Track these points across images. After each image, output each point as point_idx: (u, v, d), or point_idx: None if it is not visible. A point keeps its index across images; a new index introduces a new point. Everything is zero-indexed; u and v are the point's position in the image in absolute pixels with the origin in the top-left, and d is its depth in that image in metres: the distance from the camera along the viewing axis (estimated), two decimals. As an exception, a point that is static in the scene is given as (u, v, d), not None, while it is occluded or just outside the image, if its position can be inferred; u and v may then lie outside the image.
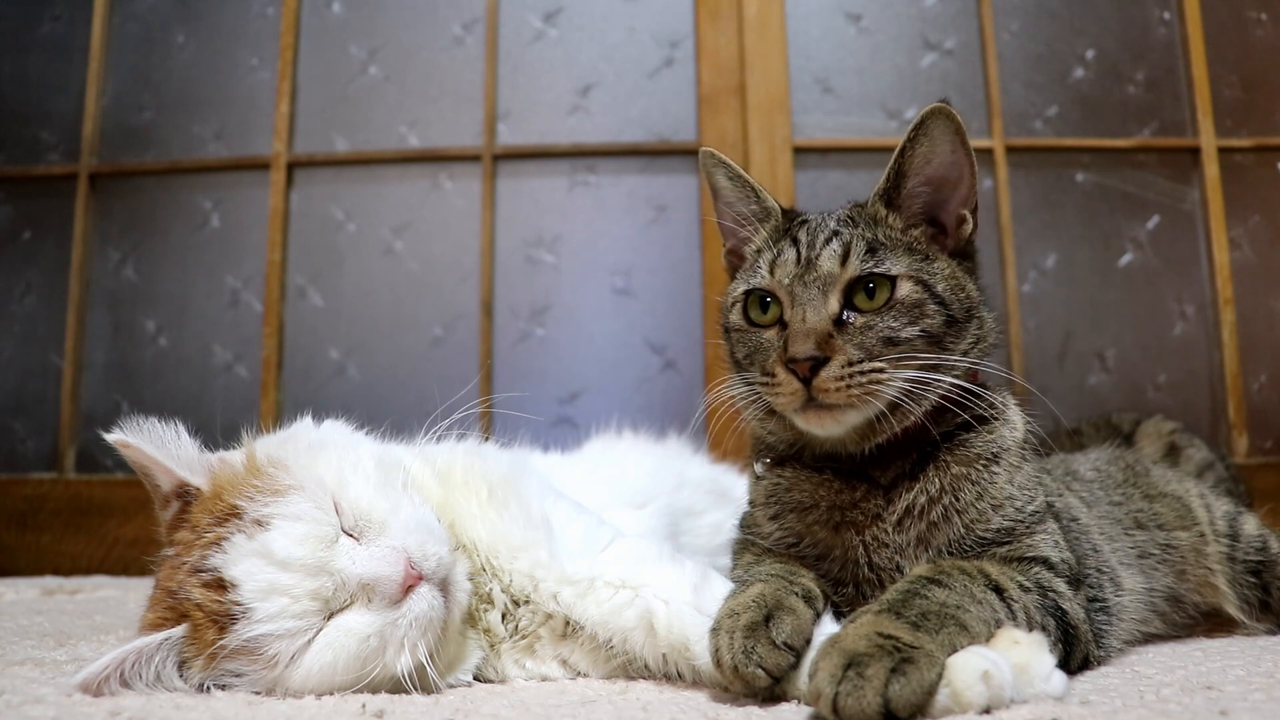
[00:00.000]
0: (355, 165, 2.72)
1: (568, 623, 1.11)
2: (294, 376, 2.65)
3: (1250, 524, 1.38)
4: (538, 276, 2.67)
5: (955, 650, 0.85)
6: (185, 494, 1.06)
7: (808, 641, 0.94)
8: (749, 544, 1.18)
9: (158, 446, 1.05)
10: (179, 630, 0.97)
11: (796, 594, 0.98)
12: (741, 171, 1.22)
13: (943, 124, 1.08)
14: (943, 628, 0.86)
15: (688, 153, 2.64)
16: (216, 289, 2.70)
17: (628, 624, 1.07)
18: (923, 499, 1.05)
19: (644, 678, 1.08)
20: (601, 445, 1.75)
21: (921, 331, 1.04)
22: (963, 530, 1.05)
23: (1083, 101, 2.68)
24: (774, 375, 1.03)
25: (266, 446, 1.10)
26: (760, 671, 0.89)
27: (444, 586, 1.01)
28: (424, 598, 0.98)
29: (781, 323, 1.07)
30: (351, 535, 1.00)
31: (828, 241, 1.08)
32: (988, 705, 0.81)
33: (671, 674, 1.06)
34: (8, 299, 2.73)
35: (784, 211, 1.20)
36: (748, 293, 1.12)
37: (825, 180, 2.65)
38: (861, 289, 1.05)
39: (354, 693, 0.96)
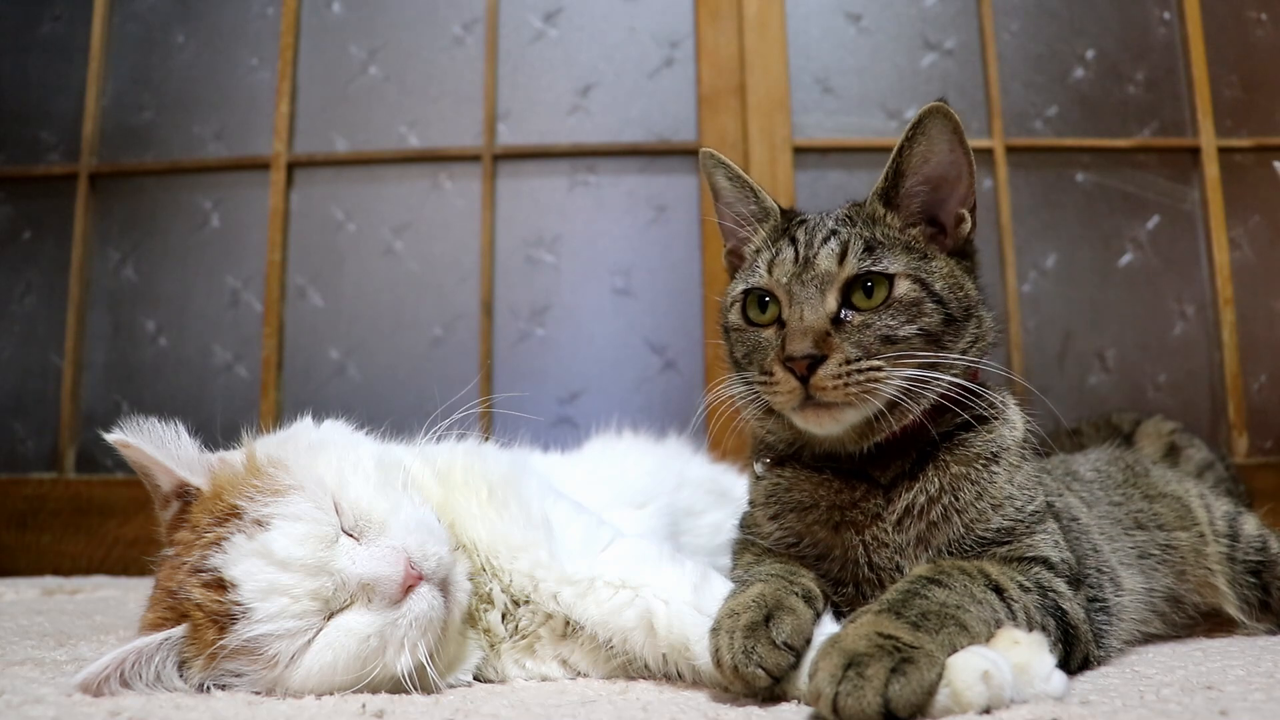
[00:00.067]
0: (355, 165, 2.72)
1: (568, 623, 1.11)
2: (294, 376, 2.65)
3: (1250, 524, 1.38)
4: (538, 276, 2.67)
5: (955, 650, 0.85)
6: (185, 494, 1.06)
7: (808, 641, 0.93)
8: (749, 544, 1.19)
9: (158, 446, 1.05)
10: (179, 630, 0.97)
11: (796, 594, 0.98)
12: (741, 172, 1.22)
13: (940, 123, 1.08)
14: (943, 628, 0.86)
15: (688, 153, 2.64)
16: (216, 289, 2.70)
17: (628, 624, 1.07)
18: (922, 499, 1.05)
19: (644, 678, 1.08)
20: (601, 445, 1.74)
21: (919, 330, 1.04)
22: (962, 530, 1.05)
23: (1083, 101, 2.68)
24: (772, 374, 1.03)
25: (266, 446, 1.10)
26: (760, 671, 0.89)
27: (444, 586, 1.01)
28: (424, 598, 0.98)
29: (780, 322, 1.07)
30: (351, 535, 1.00)
31: (825, 240, 1.08)
32: (988, 705, 0.81)
33: (671, 674, 1.06)
34: (8, 299, 2.74)
35: (783, 211, 1.20)
36: (746, 292, 1.12)
37: (825, 180, 2.65)
38: (859, 287, 1.05)
39: (354, 693, 0.96)
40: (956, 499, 1.05)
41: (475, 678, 1.09)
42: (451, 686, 1.05)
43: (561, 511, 1.19)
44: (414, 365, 2.64)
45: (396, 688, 0.97)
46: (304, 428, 1.17)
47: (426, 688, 0.99)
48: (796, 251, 1.09)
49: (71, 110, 2.76)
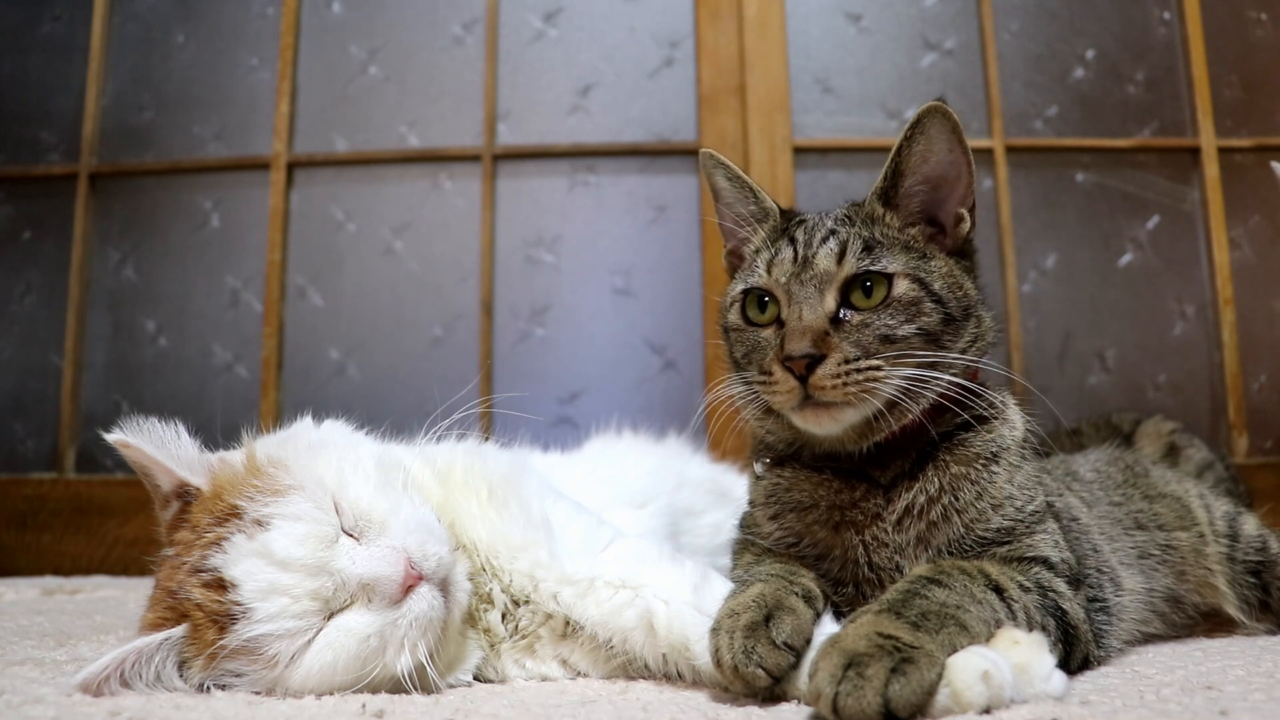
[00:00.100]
0: (355, 165, 2.72)
1: (568, 623, 1.11)
2: (294, 376, 2.65)
3: (1250, 524, 1.38)
4: (538, 276, 2.67)
5: (955, 650, 0.85)
6: (185, 494, 1.06)
7: (808, 641, 0.94)
8: (749, 544, 1.19)
9: (158, 446, 1.05)
10: (179, 630, 0.97)
11: (796, 594, 0.98)
12: (740, 173, 1.22)
13: (939, 122, 1.08)
14: (943, 628, 0.86)
15: (688, 153, 2.64)
16: (216, 289, 2.70)
17: (628, 624, 1.07)
18: (922, 498, 1.05)
19: (644, 678, 1.08)
20: (601, 445, 1.75)
21: (919, 329, 1.04)
22: (962, 530, 1.05)
23: (1083, 101, 2.68)
24: (771, 374, 1.03)
25: (266, 446, 1.10)
26: (760, 671, 0.89)
27: (444, 586, 1.01)
28: (424, 598, 0.98)
29: (779, 321, 1.07)
30: (351, 535, 1.00)
31: (824, 240, 1.08)
32: (988, 705, 0.81)
33: (671, 674, 1.06)
34: (8, 299, 2.74)
35: (782, 212, 1.20)
36: (745, 292, 1.12)
37: (825, 180, 2.65)
38: (858, 287, 1.05)
39: (354, 693, 0.96)
40: (956, 499, 1.05)
41: (475, 678, 1.09)
42: (451, 686, 1.05)
43: (561, 511, 1.19)
44: (414, 365, 2.64)
45: (396, 688, 0.97)
46: (304, 428, 1.17)
47: (426, 688, 0.99)
48: (795, 251, 1.09)
49: (71, 110, 2.76)
